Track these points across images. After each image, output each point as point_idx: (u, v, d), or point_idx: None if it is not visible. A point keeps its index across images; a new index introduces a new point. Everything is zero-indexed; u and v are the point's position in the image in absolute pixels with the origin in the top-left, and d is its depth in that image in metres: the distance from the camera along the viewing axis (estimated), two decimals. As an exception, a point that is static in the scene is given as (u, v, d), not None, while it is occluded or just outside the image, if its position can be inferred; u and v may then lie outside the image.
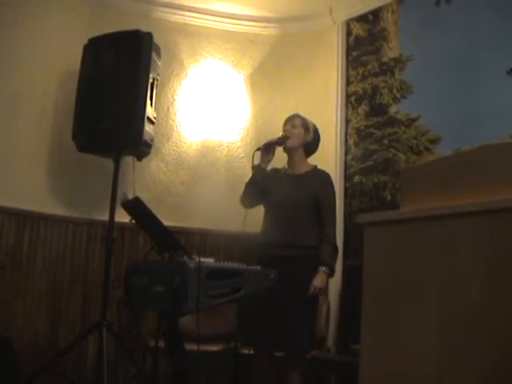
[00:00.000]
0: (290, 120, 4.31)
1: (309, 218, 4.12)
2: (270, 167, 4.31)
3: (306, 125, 4.28)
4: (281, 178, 4.26)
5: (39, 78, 4.96)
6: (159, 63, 4.81)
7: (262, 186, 4.20)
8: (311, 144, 4.33)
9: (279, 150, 4.32)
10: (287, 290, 3.82)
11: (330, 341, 5.05)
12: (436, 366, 1.97)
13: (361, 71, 5.44)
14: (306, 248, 4.05)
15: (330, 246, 4.08)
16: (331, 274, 4.08)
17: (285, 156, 4.34)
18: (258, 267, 3.55)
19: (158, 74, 4.80)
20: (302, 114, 4.41)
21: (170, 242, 3.34)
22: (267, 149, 4.21)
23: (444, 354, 1.95)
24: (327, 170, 4.37)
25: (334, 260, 4.13)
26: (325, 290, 4.33)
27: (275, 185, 4.22)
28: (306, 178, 4.22)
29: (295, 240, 4.06)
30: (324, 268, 4.00)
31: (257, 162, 4.21)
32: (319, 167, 4.33)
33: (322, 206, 4.15)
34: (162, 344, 3.54)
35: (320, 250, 4.05)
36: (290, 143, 4.23)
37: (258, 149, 4.21)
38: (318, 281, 3.97)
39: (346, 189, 5.35)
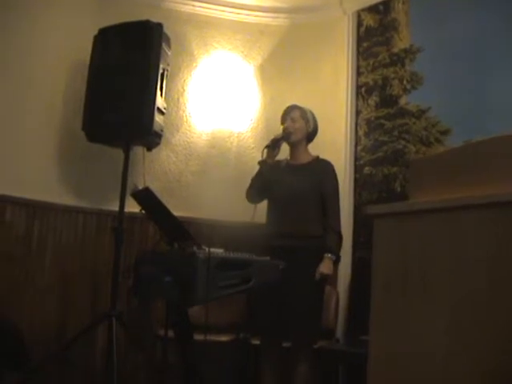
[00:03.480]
0: (288, 113, 4.34)
1: (313, 208, 4.16)
2: None
3: (305, 116, 4.33)
4: (284, 170, 4.30)
5: (49, 69, 4.96)
6: (169, 54, 4.81)
7: (267, 180, 4.23)
8: (312, 133, 4.39)
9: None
10: (293, 280, 3.83)
11: (339, 332, 5.05)
12: (444, 357, 1.97)
13: (371, 62, 5.42)
14: (311, 238, 4.09)
15: (334, 234, 4.12)
16: (337, 260, 4.10)
17: (285, 148, 4.38)
18: (268, 258, 3.56)
19: (168, 65, 4.80)
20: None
21: (180, 233, 3.35)
22: (274, 145, 4.24)
23: (452, 345, 1.95)
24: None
25: (339, 247, 4.18)
26: (331, 278, 4.34)
27: (279, 176, 4.25)
28: (309, 168, 4.27)
29: (300, 230, 4.10)
30: (329, 255, 4.04)
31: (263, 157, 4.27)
32: (321, 157, 4.37)
33: (326, 195, 4.20)
34: (171, 333, 3.55)
35: (324, 239, 4.08)
36: (293, 138, 4.29)
37: (268, 146, 4.24)
38: (323, 267, 4.01)
39: (355, 180, 5.34)
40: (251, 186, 4.33)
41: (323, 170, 4.28)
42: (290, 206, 4.13)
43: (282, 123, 4.35)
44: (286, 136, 4.27)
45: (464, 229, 1.97)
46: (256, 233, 4.21)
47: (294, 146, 4.35)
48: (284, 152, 4.41)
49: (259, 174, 4.29)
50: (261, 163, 4.27)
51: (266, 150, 4.23)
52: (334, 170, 4.31)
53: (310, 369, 4.02)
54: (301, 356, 4.02)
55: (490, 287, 1.87)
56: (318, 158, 4.37)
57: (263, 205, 4.35)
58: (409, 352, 2.10)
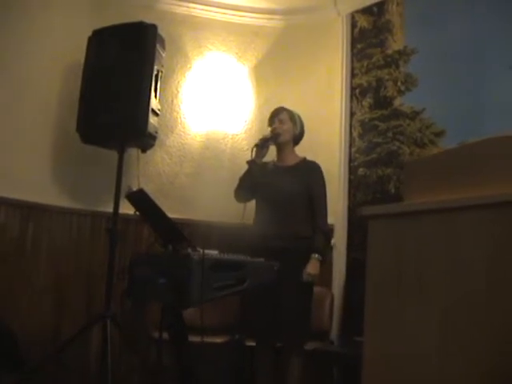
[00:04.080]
0: (276, 115, 4.40)
1: (301, 209, 4.22)
2: None
3: (292, 118, 4.40)
4: (272, 171, 4.35)
5: (44, 70, 4.95)
6: (163, 55, 4.81)
7: (256, 180, 4.25)
8: (299, 135, 4.45)
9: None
10: (282, 281, 3.84)
11: (334, 333, 5.05)
12: (439, 358, 1.97)
13: (365, 64, 5.43)
14: (299, 239, 4.13)
15: (321, 234, 4.18)
16: (323, 261, 4.13)
17: (272, 150, 4.43)
18: (262, 259, 3.57)
19: (163, 66, 4.79)
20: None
21: (174, 234, 3.35)
22: (262, 145, 4.28)
23: (448, 347, 1.96)
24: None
25: (326, 248, 4.26)
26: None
27: (266, 178, 4.30)
28: (296, 170, 4.32)
29: (289, 231, 4.14)
30: (316, 255, 4.09)
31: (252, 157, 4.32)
32: (308, 158, 4.43)
33: (313, 196, 4.27)
34: (166, 335, 3.55)
35: (312, 239, 4.13)
36: (281, 139, 4.36)
37: (256, 145, 4.29)
38: (310, 268, 4.07)
39: (350, 181, 5.35)
40: (239, 186, 4.39)
41: (310, 171, 4.34)
42: (279, 207, 4.17)
43: (270, 125, 4.40)
44: (274, 137, 4.32)
45: (460, 230, 1.98)
46: (250, 234, 4.23)
47: (281, 148, 4.41)
48: (271, 154, 4.44)
49: (248, 173, 4.34)
50: (250, 163, 4.31)
51: (254, 149, 4.27)
52: (321, 171, 4.36)
53: (302, 369, 4.05)
54: (292, 357, 4.05)
55: (487, 288, 1.87)
56: (305, 159, 4.41)
57: (253, 206, 4.36)
58: (404, 353, 2.10)
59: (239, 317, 4.52)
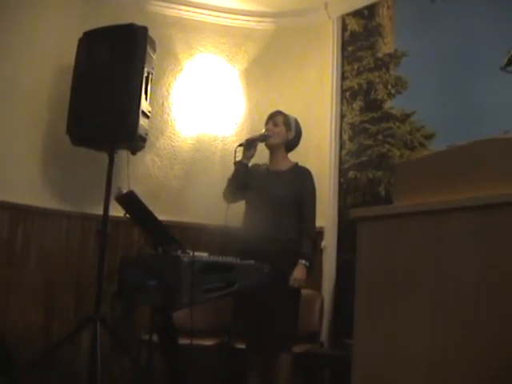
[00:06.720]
0: (272, 117, 4.40)
1: (290, 213, 4.23)
2: (250, 163, 4.39)
3: (287, 123, 4.38)
4: (263, 174, 4.35)
5: (34, 72, 4.94)
6: (154, 57, 4.80)
7: (244, 181, 4.28)
8: (292, 141, 4.43)
9: (262, 146, 4.41)
10: (270, 284, 3.84)
11: (324, 335, 5.05)
12: (429, 359, 1.98)
13: (356, 66, 5.44)
14: (287, 241, 4.15)
15: (309, 238, 4.20)
16: (311, 266, 4.14)
17: (266, 152, 4.43)
18: (252, 261, 3.56)
19: (153, 68, 4.79)
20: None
21: (164, 236, 3.34)
22: (249, 145, 4.30)
23: (439, 348, 1.96)
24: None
25: (314, 253, 4.26)
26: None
27: (257, 181, 4.31)
28: (287, 175, 4.33)
29: (277, 234, 4.14)
30: (303, 261, 4.11)
31: (239, 157, 4.31)
32: (300, 164, 4.44)
33: (302, 200, 4.27)
34: (156, 338, 3.54)
35: (300, 243, 4.14)
36: (271, 141, 4.35)
37: (240, 144, 4.33)
38: (297, 273, 4.09)
39: (340, 184, 5.35)
40: (227, 187, 4.37)
41: (301, 176, 4.35)
42: (268, 211, 4.17)
43: (265, 127, 4.40)
44: (262, 137, 4.31)
45: (449, 231, 1.98)
46: (239, 237, 4.23)
47: (272, 152, 4.41)
48: (264, 158, 4.43)
49: (235, 174, 4.32)
50: (236, 163, 4.31)
51: (238, 149, 4.27)
52: (311, 177, 4.37)
53: (289, 371, 4.06)
54: (280, 357, 4.05)
55: (478, 288, 1.88)
56: (296, 164, 4.42)
57: (235, 208, 4.36)
58: (394, 355, 2.11)
59: (229, 319, 4.52)
